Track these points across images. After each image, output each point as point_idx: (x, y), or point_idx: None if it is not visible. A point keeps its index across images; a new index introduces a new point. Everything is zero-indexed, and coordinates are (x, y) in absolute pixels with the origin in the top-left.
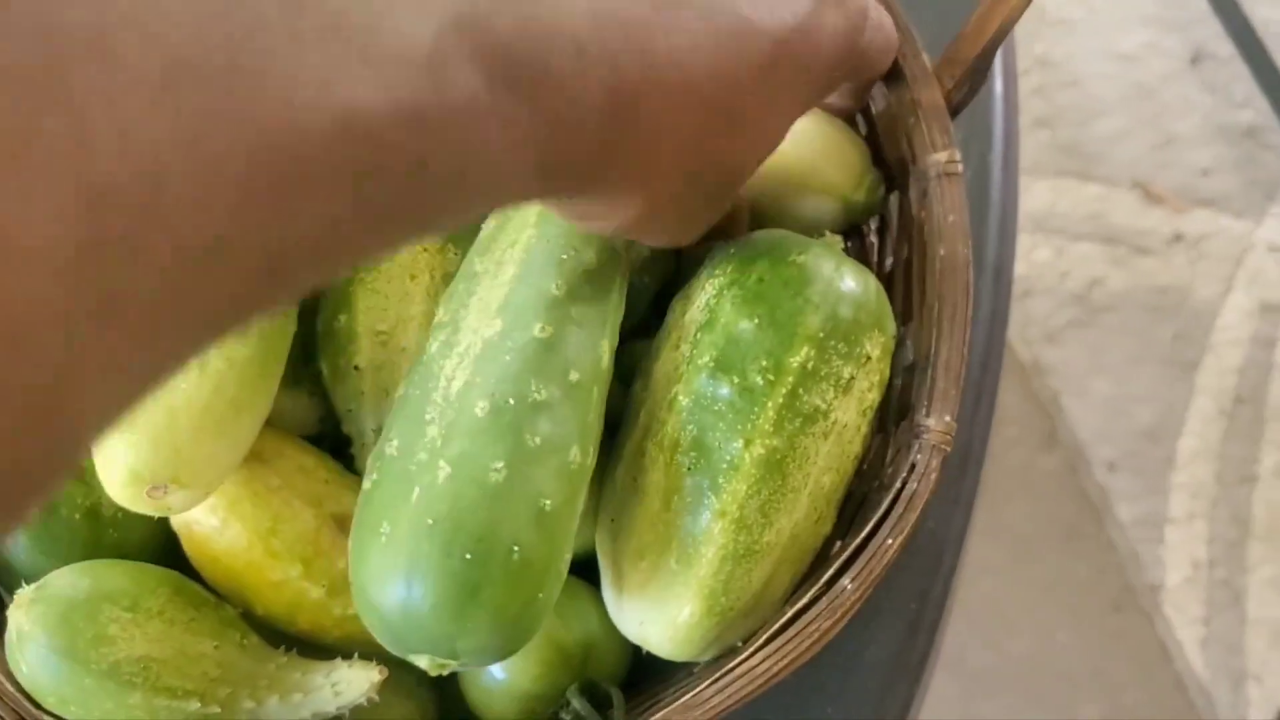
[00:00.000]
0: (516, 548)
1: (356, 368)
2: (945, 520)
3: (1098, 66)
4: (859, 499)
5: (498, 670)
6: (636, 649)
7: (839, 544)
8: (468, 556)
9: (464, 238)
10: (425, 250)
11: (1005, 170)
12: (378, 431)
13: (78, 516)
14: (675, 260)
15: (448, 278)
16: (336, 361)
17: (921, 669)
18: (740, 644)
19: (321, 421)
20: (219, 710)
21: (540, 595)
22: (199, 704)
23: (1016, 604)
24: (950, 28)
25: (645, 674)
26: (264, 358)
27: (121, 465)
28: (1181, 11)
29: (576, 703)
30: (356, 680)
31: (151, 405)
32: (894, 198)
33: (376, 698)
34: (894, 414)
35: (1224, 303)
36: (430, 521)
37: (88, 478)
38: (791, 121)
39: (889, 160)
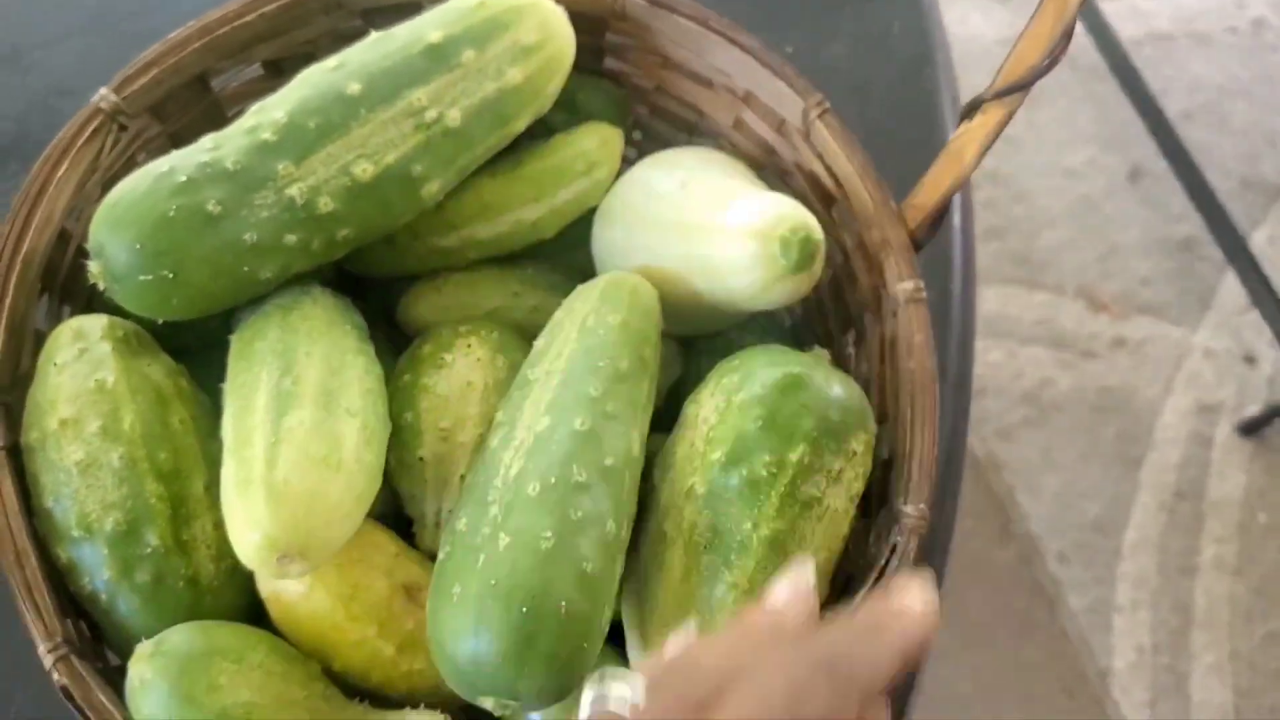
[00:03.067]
0: (564, 603)
1: (421, 459)
2: None
3: (1044, 181)
4: (845, 575)
5: (537, 716)
6: None
7: (828, 612)
8: (524, 610)
9: (512, 348)
10: (479, 360)
11: (964, 292)
12: (438, 514)
13: (181, 584)
14: (682, 361)
15: (498, 383)
16: (402, 454)
17: None
18: None
19: (383, 505)
20: None
21: (585, 645)
22: None
23: (972, 688)
24: (916, 168)
25: None
26: (380, 464)
27: (261, 534)
28: (1120, 130)
29: None
30: None
31: (297, 490)
32: (868, 317)
33: None
34: (875, 502)
35: (1164, 403)
36: (493, 582)
37: (189, 551)
38: None
39: (863, 287)
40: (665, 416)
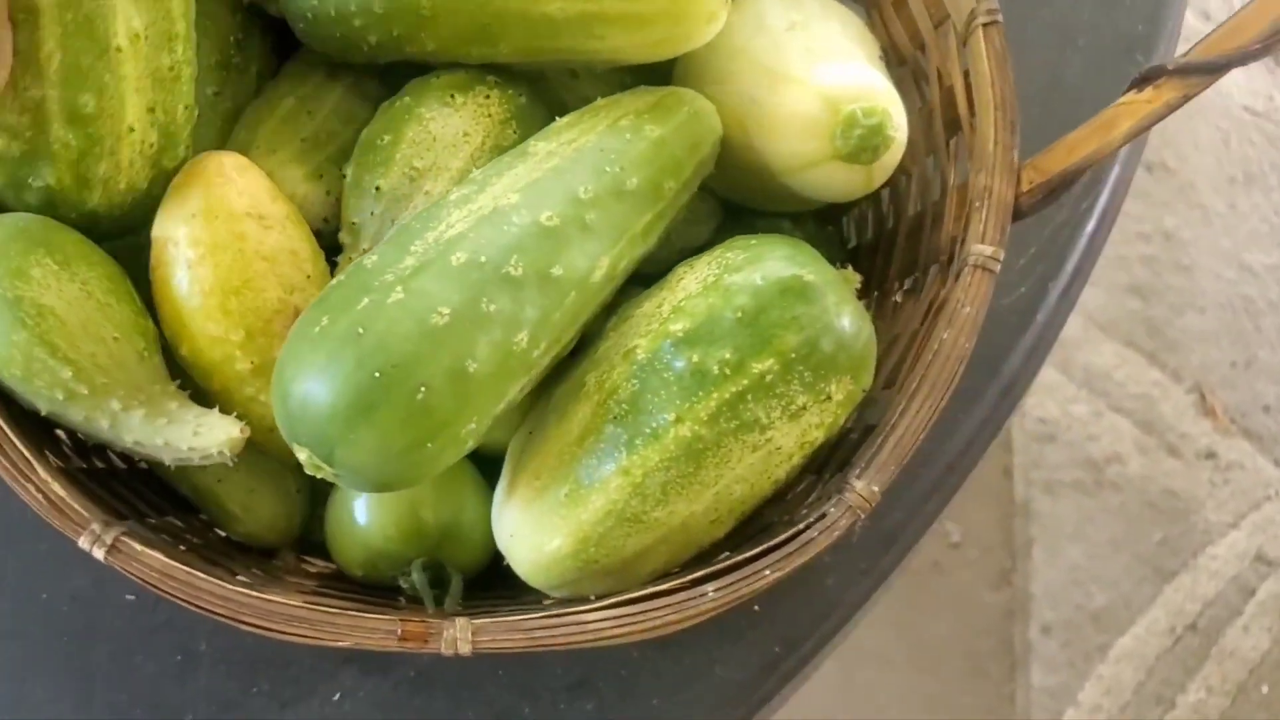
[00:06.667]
0: (424, 389)
1: (378, 188)
2: (847, 584)
3: (1216, 264)
4: (766, 523)
5: (360, 515)
6: (499, 559)
7: (726, 553)
8: (376, 375)
9: (531, 120)
10: (489, 116)
11: (1059, 303)
12: (368, 252)
13: (73, 216)
14: (716, 225)
15: (497, 149)
16: (363, 175)
17: (757, 711)
18: (593, 599)
19: (325, 221)
20: (86, 392)
21: (429, 445)
22: (71, 374)
23: (897, 706)
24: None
25: (498, 584)
26: None
27: None
28: None
29: (416, 575)
30: (218, 428)
31: None
32: (934, 270)
33: (230, 458)
34: (835, 464)
35: (1224, 535)
36: (361, 331)
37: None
38: None
39: (944, 235)
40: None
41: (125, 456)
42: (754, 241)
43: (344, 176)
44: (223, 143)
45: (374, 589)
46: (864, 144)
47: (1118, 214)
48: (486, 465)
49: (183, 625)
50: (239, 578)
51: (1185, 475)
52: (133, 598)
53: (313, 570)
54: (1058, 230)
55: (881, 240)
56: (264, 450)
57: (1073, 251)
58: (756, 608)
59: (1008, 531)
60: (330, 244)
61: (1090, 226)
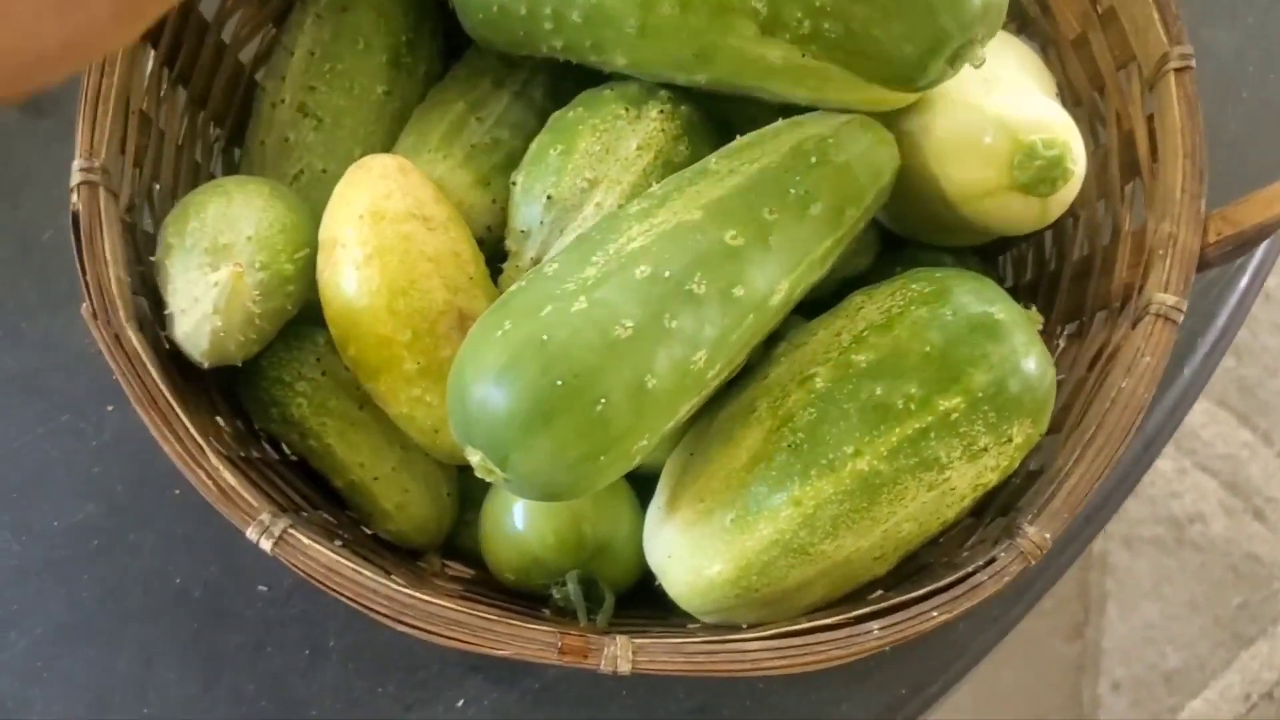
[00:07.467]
0: (603, 401)
1: (549, 198)
2: (978, 631)
3: None
4: (921, 564)
5: (520, 521)
6: (646, 578)
7: (880, 590)
8: (559, 383)
9: (701, 138)
10: (663, 132)
11: (1206, 359)
12: (535, 260)
13: None
14: (874, 256)
15: (668, 164)
16: (534, 184)
17: None
18: (744, 627)
19: (489, 230)
20: None
21: (602, 458)
22: None
23: None
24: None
25: (642, 602)
26: None
27: None
28: None
29: (571, 586)
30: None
31: None
32: (1101, 317)
33: None
34: (995, 508)
35: None
36: (545, 338)
37: None
38: None
39: (1115, 281)
40: (820, 308)
41: (276, 445)
42: (939, 274)
43: (512, 184)
44: (390, 142)
45: (518, 598)
46: (1043, 175)
47: (1270, 272)
48: (634, 485)
49: (313, 620)
50: (394, 577)
51: (1270, 540)
52: (265, 589)
53: (452, 574)
54: (1209, 286)
55: (1042, 282)
56: (424, 450)
57: (1223, 307)
58: (888, 649)
59: (1083, 584)
60: (492, 252)
61: (1243, 283)
